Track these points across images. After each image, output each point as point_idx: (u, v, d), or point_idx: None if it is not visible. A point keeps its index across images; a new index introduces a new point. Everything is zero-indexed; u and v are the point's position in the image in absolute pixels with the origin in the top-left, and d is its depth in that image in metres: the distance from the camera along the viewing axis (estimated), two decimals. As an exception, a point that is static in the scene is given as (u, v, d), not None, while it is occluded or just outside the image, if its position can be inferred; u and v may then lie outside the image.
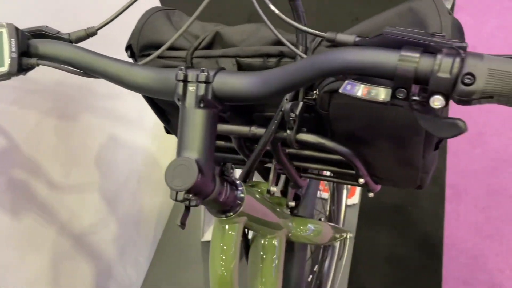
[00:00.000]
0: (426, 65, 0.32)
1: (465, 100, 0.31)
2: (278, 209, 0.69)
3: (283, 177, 0.71)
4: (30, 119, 0.77)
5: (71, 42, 0.48)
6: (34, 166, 0.80)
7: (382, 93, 0.34)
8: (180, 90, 0.43)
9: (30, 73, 0.63)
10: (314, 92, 0.56)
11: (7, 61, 0.42)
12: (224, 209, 0.51)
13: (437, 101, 0.32)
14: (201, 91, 0.42)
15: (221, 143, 0.68)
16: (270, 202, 0.65)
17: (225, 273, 0.55)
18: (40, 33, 0.47)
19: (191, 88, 0.42)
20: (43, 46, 0.45)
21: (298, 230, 0.74)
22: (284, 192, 0.72)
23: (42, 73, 0.74)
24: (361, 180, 0.64)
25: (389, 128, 0.55)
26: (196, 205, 0.45)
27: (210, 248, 0.56)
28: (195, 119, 0.43)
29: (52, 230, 0.87)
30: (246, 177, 0.63)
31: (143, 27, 0.62)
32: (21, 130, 0.75)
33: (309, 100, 0.56)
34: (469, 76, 0.31)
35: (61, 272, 0.90)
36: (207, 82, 0.42)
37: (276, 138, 0.58)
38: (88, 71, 0.46)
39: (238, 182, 0.54)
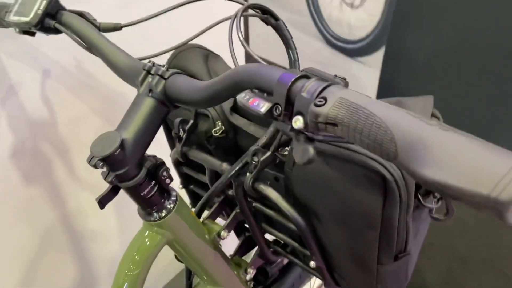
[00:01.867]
0: (297, 86, 0.33)
1: (314, 122, 0.31)
2: (232, 267, 0.66)
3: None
4: (78, 109, 0.89)
5: (98, 29, 0.58)
6: (63, 149, 0.90)
7: (263, 107, 0.36)
8: (141, 77, 0.48)
9: (92, 71, 0.75)
10: (286, 149, 0.57)
11: (31, 14, 0.53)
12: (147, 208, 0.52)
13: (297, 121, 0.33)
14: (154, 82, 0.47)
15: (203, 177, 0.71)
16: (217, 246, 0.64)
17: (127, 280, 0.54)
18: (80, 14, 0.58)
19: (149, 78, 0.48)
20: (66, 16, 0.55)
21: None
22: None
23: (102, 75, 0.88)
24: (312, 263, 0.60)
25: (341, 209, 0.53)
26: (111, 182, 0.48)
27: (126, 250, 0.56)
28: (140, 105, 0.47)
29: (51, 213, 0.93)
30: (200, 211, 0.64)
31: (179, 53, 0.71)
32: (66, 114, 0.87)
33: (280, 155, 0.57)
34: (321, 99, 0.31)
35: (41, 255, 0.95)
36: (162, 77, 0.47)
37: (239, 181, 0.59)
38: (90, 46, 0.54)
39: (174, 193, 0.55)
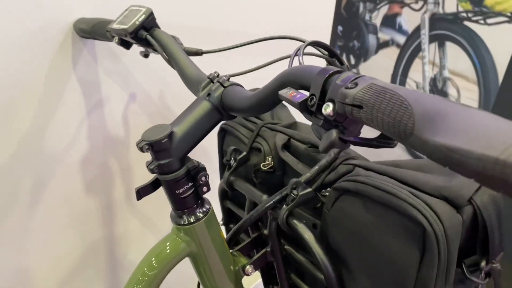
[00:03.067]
0: (334, 77, 0.35)
1: (341, 104, 0.32)
2: None
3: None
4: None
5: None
6: (127, 171, 0.96)
7: (300, 98, 0.37)
8: (204, 84, 0.53)
9: (170, 104, 0.81)
10: (329, 189, 0.56)
11: (130, 23, 0.61)
12: (178, 210, 0.54)
13: (327, 108, 0.34)
14: (213, 88, 0.51)
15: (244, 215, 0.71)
16: (239, 280, 0.62)
17: (144, 278, 0.54)
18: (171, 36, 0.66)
19: (211, 85, 0.52)
20: (157, 32, 0.63)
21: None
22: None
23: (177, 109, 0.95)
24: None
25: (373, 261, 0.50)
26: (152, 171, 0.50)
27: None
28: (196, 106, 0.51)
29: (100, 229, 0.97)
30: (231, 239, 0.63)
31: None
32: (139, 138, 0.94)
33: (320, 195, 0.57)
34: (353, 84, 0.32)
35: (80, 267, 0.97)
36: (222, 85, 0.51)
37: (275, 215, 0.59)
38: (170, 59, 0.61)
39: (207, 205, 0.56)
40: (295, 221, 0.56)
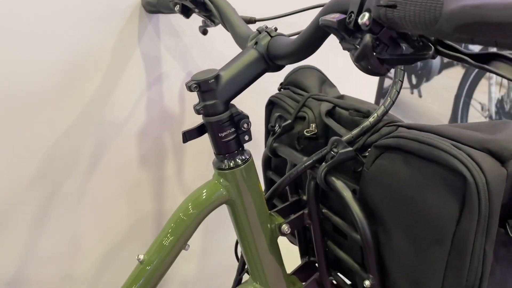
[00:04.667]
0: None
1: (376, 7, 0.33)
2: (284, 275, 0.64)
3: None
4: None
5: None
6: (179, 149, 1.00)
7: (339, 17, 0.39)
8: (252, 35, 0.56)
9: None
10: (369, 150, 0.57)
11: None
12: (220, 154, 0.56)
13: (364, 17, 0.35)
14: (261, 37, 0.54)
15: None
16: (274, 239, 0.62)
17: (184, 218, 0.56)
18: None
19: (260, 35, 0.55)
20: None
21: None
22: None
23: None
24: (367, 283, 0.55)
25: (411, 216, 0.49)
26: (198, 112, 0.54)
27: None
28: (243, 54, 0.54)
29: (149, 203, 1.02)
30: (270, 198, 0.64)
31: (299, 70, 0.78)
32: (194, 118, 0.98)
33: (360, 154, 0.57)
34: None
35: (128, 238, 1.02)
36: (269, 34, 0.54)
37: (314, 174, 0.60)
38: (224, 20, 0.65)
39: (248, 153, 0.58)
40: (333, 178, 0.57)
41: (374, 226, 0.55)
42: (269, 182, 0.77)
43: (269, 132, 0.73)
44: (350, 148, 0.56)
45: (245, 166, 0.56)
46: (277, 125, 0.69)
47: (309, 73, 0.77)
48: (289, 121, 0.69)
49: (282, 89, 0.78)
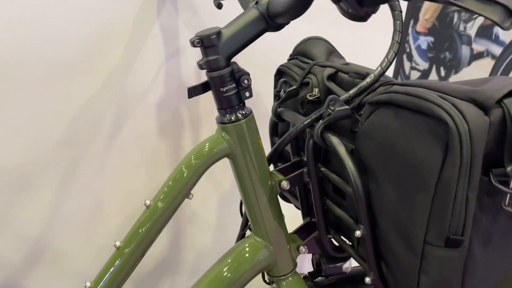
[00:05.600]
0: None
1: None
2: (285, 233, 0.67)
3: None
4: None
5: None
6: (196, 121, 1.05)
7: None
8: None
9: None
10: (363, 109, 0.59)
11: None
12: (222, 109, 0.60)
13: None
14: None
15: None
16: (275, 195, 0.66)
17: (187, 168, 0.61)
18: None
19: None
20: None
21: (286, 286, 0.69)
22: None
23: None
24: (358, 233, 0.57)
25: (399, 167, 0.52)
26: (201, 67, 0.57)
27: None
28: (245, 14, 0.57)
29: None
30: (271, 157, 0.67)
31: (308, 41, 0.80)
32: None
33: (357, 113, 0.60)
34: None
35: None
36: None
37: (312, 133, 0.63)
38: None
39: (249, 109, 0.61)
40: (329, 135, 0.59)
41: (366, 179, 0.57)
42: (273, 144, 0.81)
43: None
44: (347, 107, 0.59)
45: (246, 120, 0.60)
46: (282, 90, 0.73)
47: (317, 43, 0.80)
48: (294, 86, 0.72)
49: (291, 60, 0.81)
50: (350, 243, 0.68)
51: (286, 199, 0.85)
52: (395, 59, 1.41)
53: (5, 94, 0.80)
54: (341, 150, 0.58)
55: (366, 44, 1.22)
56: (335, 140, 0.59)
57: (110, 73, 0.90)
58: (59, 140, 0.90)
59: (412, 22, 1.49)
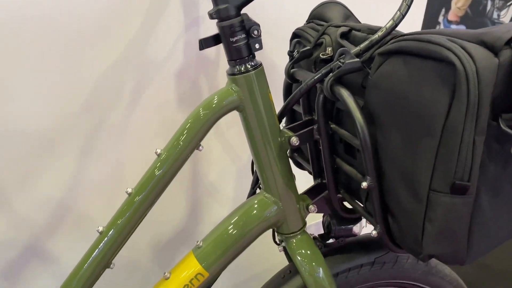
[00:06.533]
0: None
1: None
2: (294, 191, 0.68)
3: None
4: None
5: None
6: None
7: None
8: None
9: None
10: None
11: None
12: (231, 60, 0.60)
13: None
14: None
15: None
16: (284, 152, 0.66)
17: (197, 120, 0.62)
18: None
19: None
20: None
21: (295, 244, 0.69)
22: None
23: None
24: (364, 184, 0.57)
25: (406, 113, 0.52)
26: (211, 16, 0.58)
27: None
28: None
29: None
30: (282, 115, 0.68)
31: (326, 4, 0.80)
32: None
33: (367, 65, 0.59)
34: None
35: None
36: None
37: (322, 89, 0.63)
38: None
39: (258, 61, 0.62)
40: (339, 87, 0.59)
41: (373, 131, 0.57)
42: (290, 112, 0.81)
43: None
44: (357, 59, 0.58)
45: (256, 72, 0.60)
46: (296, 50, 0.73)
47: (333, 7, 0.79)
48: (308, 47, 0.72)
49: (307, 24, 0.82)
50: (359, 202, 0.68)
51: (299, 166, 0.85)
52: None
53: (31, 61, 0.84)
54: (350, 101, 0.58)
55: (384, 15, 1.21)
56: (344, 93, 0.59)
57: (130, 42, 0.92)
58: (82, 107, 0.93)
59: (443, 10, 1.46)
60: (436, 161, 0.49)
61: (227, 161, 1.18)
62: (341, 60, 0.59)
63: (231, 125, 1.13)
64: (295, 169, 0.79)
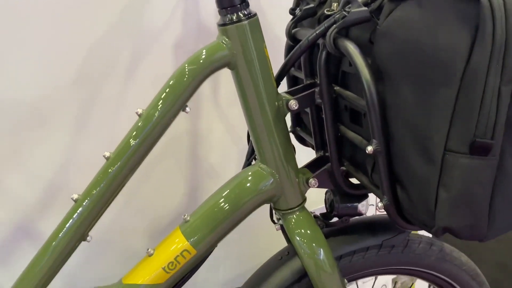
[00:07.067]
0: None
1: None
2: (290, 154, 0.62)
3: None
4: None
5: None
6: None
7: None
8: None
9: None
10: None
11: None
12: (222, 7, 0.54)
13: None
14: None
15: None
16: (282, 117, 0.59)
17: (182, 77, 0.56)
18: None
19: None
20: None
21: (293, 222, 0.62)
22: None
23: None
24: (370, 148, 0.50)
25: (418, 60, 0.45)
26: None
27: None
28: None
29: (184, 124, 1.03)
30: (280, 76, 0.61)
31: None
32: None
33: (375, 16, 0.53)
34: None
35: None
36: None
37: (325, 45, 0.56)
38: None
39: (253, 11, 0.55)
40: (343, 39, 0.52)
41: (382, 89, 0.50)
42: (291, 79, 0.74)
43: None
44: (364, 8, 0.51)
45: (249, 22, 0.54)
46: (298, 8, 0.66)
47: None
48: (312, 4, 0.65)
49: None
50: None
51: (302, 141, 0.78)
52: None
53: (20, 27, 0.79)
54: (356, 55, 0.51)
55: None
56: (349, 45, 0.51)
57: (125, 9, 0.87)
58: (75, 76, 0.88)
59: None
60: (454, 116, 0.42)
61: (228, 143, 1.11)
62: (347, 9, 0.52)
63: (233, 104, 1.06)
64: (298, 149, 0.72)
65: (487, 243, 1.69)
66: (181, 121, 1.02)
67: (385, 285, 1.14)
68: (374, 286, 1.11)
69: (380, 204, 0.52)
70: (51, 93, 0.87)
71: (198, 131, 1.06)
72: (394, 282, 1.17)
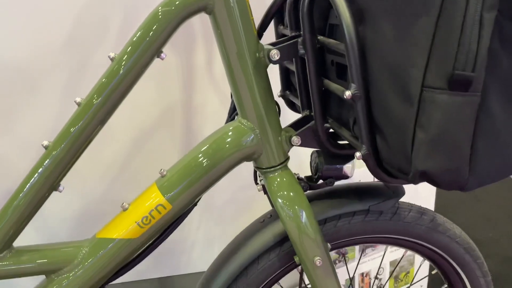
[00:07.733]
0: None
1: None
2: (272, 109, 0.59)
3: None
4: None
5: None
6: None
7: None
8: None
9: None
10: None
11: None
12: None
13: None
14: None
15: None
16: (263, 69, 0.57)
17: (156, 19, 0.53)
18: None
19: None
20: None
21: (275, 183, 0.60)
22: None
23: None
24: (348, 93, 0.47)
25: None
26: None
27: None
28: None
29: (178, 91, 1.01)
30: (262, 26, 0.59)
31: None
32: None
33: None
34: None
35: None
36: None
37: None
38: None
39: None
40: None
41: (361, 28, 0.47)
42: (280, 37, 0.71)
43: None
44: None
45: None
46: None
47: None
48: None
49: None
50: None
51: (292, 106, 0.76)
52: None
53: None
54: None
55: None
56: None
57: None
58: (65, 40, 0.87)
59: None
60: (433, 47, 0.39)
61: (223, 115, 1.09)
62: None
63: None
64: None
65: (493, 236, 1.64)
66: (175, 93, 1.01)
67: (382, 268, 1.10)
68: (372, 268, 1.09)
69: (358, 154, 0.49)
70: (40, 56, 0.86)
71: (193, 103, 1.04)
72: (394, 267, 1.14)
